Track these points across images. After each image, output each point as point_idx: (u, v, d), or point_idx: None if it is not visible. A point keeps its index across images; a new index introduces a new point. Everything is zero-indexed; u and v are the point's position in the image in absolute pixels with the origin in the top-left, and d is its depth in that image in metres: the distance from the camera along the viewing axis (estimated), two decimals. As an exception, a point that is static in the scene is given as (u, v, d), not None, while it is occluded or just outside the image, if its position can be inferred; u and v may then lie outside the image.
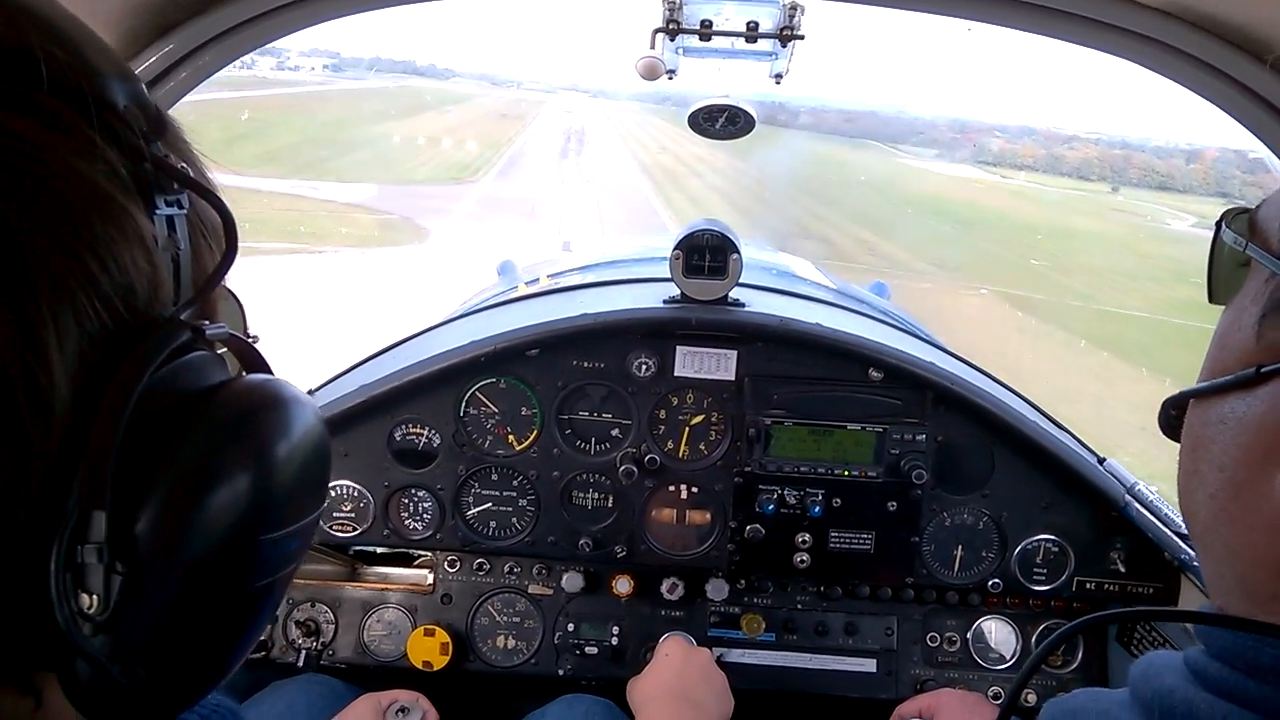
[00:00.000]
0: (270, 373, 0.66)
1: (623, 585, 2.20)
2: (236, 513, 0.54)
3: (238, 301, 0.78)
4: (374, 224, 20.48)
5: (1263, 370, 0.63)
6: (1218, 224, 0.72)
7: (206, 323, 0.59)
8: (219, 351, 0.62)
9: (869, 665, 2.23)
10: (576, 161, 40.41)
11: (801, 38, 1.58)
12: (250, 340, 0.66)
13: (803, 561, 2.11)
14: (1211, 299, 0.74)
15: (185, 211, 0.59)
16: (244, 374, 0.63)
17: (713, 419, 2.14)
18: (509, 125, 52.26)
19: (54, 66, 0.52)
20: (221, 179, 0.68)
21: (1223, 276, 0.72)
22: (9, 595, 0.49)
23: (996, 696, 2.21)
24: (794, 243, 19.78)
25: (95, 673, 0.51)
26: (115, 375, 0.51)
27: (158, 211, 0.56)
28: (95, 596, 0.50)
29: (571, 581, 2.19)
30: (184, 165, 0.60)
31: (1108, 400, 11.71)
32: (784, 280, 2.75)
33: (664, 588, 2.20)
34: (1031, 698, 2.20)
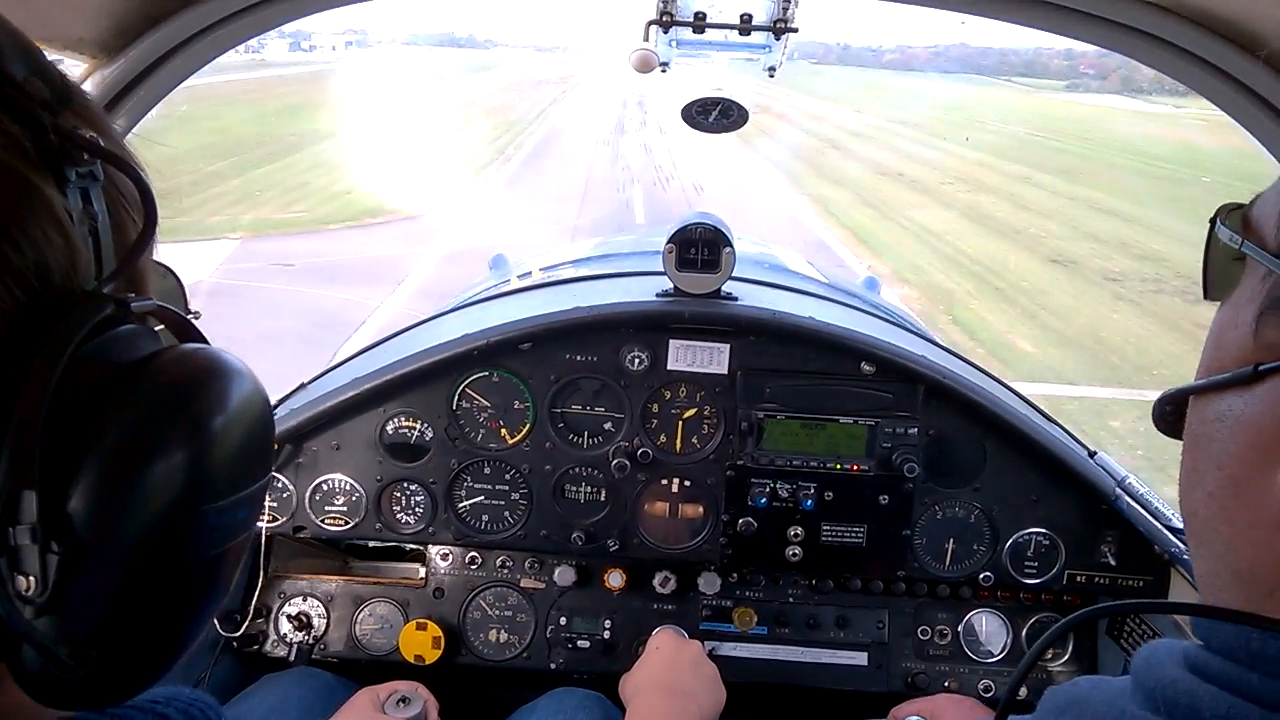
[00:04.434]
0: (205, 342, 0.64)
1: (615, 579, 2.20)
2: (174, 484, 0.54)
3: (177, 278, 0.76)
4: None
5: (1260, 369, 0.62)
6: (1212, 221, 0.72)
7: (132, 295, 0.58)
8: (156, 328, 0.61)
9: (860, 658, 2.23)
10: (642, 133, 29.98)
11: (795, 30, 1.57)
12: (189, 315, 0.66)
13: (795, 555, 2.11)
14: (1207, 295, 0.73)
15: (101, 183, 0.58)
16: (177, 345, 0.62)
17: (705, 412, 2.14)
18: (546, 92, 42.76)
19: None
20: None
21: (1218, 273, 0.71)
22: None
23: (987, 690, 2.22)
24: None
25: (43, 657, 0.50)
26: (36, 353, 0.50)
27: (69, 184, 0.55)
28: (33, 578, 0.49)
29: (563, 575, 2.19)
30: (94, 135, 0.58)
31: None
32: (776, 274, 2.75)
33: (656, 581, 2.20)
34: (1022, 691, 2.21)
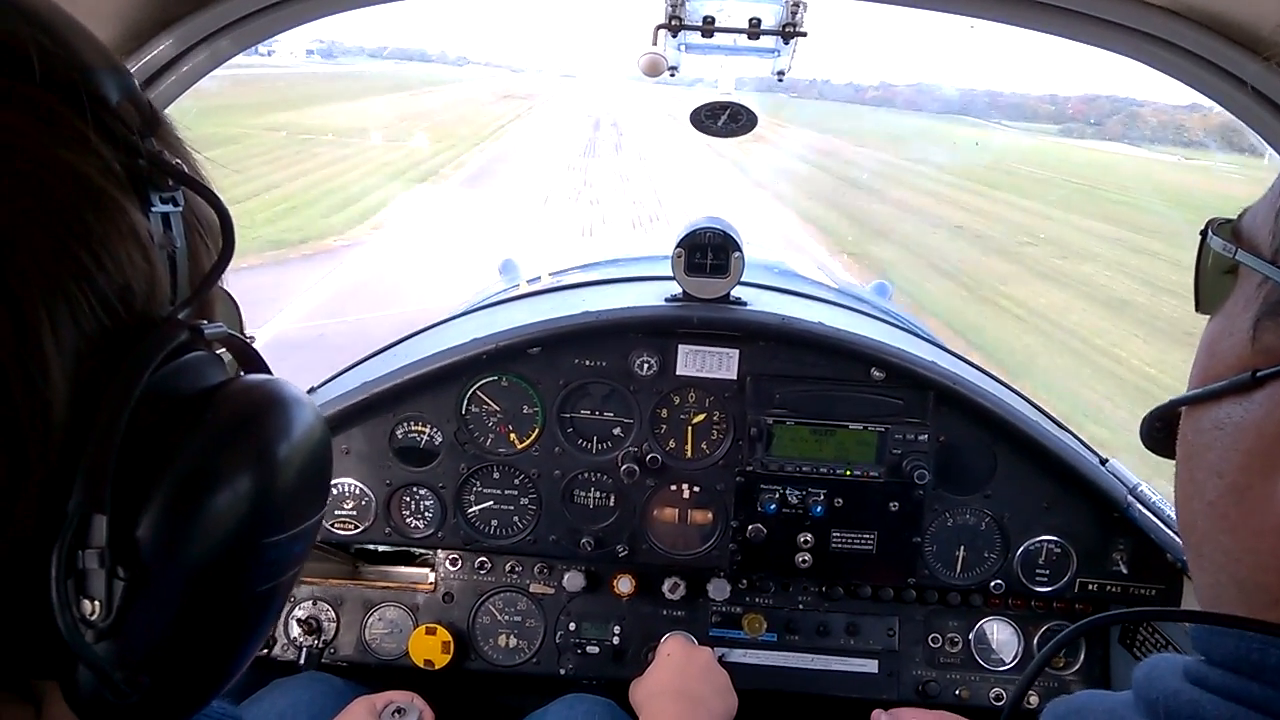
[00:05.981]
0: (269, 372, 0.65)
1: (624, 585, 2.19)
2: (239, 515, 0.54)
3: (234, 302, 0.77)
4: None
5: (1259, 374, 0.62)
6: (1203, 233, 0.72)
7: (205, 322, 0.58)
8: (217, 352, 0.61)
9: (870, 666, 2.22)
10: (617, 160, 27.89)
11: (804, 34, 1.58)
12: (248, 340, 0.66)
13: (804, 561, 2.11)
14: (1198, 309, 0.73)
15: (181, 209, 0.59)
16: (243, 374, 0.62)
17: (714, 418, 2.14)
18: (503, 108, 39.80)
19: (44, 59, 0.50)
20: None
21: (1209, 287, 0.71)
22: (10, 602, 0.48)
23: (998, 698, 2.20)
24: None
25: (98, 680, 0.50)
26: (114, 376, 0.50)
27: (153, 208, 0.55)
28: (98, 602, 0.49)
29: (573, 580, 2.18)
30: (178, 161, 0.59)
31: None
32: (786, 279, 2.74)
33: (665, 587, 2.20)
34: (1034, 699, 2.19)
